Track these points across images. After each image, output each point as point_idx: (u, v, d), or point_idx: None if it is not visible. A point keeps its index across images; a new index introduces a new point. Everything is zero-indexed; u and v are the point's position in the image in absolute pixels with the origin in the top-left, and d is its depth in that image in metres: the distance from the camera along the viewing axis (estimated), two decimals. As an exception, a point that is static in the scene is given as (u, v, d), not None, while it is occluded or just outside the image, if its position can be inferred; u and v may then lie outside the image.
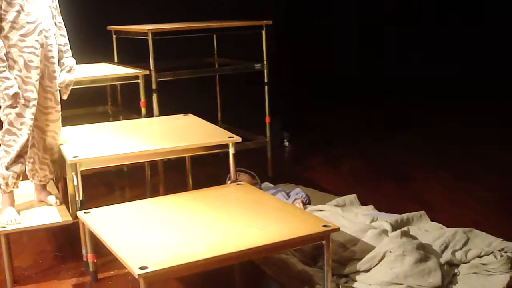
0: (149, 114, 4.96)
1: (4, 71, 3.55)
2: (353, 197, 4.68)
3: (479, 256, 3.59)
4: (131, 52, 5.68)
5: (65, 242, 4.21)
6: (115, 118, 5.39)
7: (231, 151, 3.95)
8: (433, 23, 9.57)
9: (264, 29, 5.33)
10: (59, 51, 3.81)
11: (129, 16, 5.87)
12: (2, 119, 3.70)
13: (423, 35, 9.45)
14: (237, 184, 3.99)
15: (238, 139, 3.95)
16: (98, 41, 6.04)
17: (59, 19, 3.84)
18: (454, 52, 9.28)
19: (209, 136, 4.14)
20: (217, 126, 4.41)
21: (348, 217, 4.15)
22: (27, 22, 3.58)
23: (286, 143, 6.55)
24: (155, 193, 4.75)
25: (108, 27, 5.68)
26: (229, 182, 4.06)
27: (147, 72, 4.88)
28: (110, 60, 5.65)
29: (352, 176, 5.62)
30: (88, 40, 6.10)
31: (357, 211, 4.42)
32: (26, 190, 4.06)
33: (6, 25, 3.56)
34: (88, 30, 5.08)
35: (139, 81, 4.83)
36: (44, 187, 4.02)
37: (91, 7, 6.46)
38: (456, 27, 9.30)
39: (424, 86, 9.12)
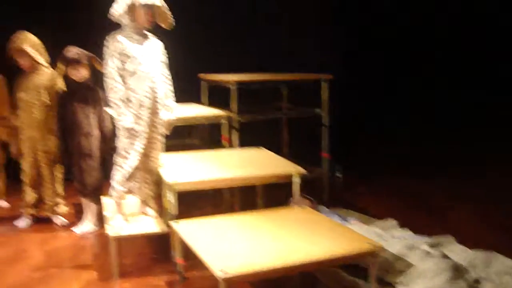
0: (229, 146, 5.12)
1: (123, 108, 3.79)
2: (393, 221, 4.73)
3: (501, 276, 3.60)
4: (213, 94, 5.88)
5: (160, 247, 4.30)
6: (201, 148, 5.55)
7: (296, 180, 4.06)
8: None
9: (324, 81, 5.47)
10: (164, 95, 4.02)
11: (203, 64, 6.05)
12: (117, 145, 3.93)
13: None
14: (300, 207, 4.08)
15: (303, 171, 4.07)
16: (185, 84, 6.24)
17: (166, 71, 4.06)
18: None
19: (278, 167, 4.27)
20: (284, 159, 4.53)
21: (391, 237, 4.21)
22: (142, 72, 3.82)
23: (338, 174, 6.61)
24: (231, 210, 4.85)
25: (199, 74, 5.88)
26: (293, 205, 4.15)
27: (232, 114, 5.07)
28: (195, 101, 5.84)
29: (394, 204, 5.62)
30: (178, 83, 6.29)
31: (397, 233, 4.46)
32: (132, 202, 4.24)
33: (125, 74, 3.80)
34: (178, 75, 5.26)
35: (223, 121, 5.03)
36: (145, 201, 4.20)
37: (180, 55, 6.67)
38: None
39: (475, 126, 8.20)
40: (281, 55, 6.59)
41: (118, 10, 3.86)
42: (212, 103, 5.71)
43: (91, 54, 4.59)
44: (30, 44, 4.69)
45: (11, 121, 5.01)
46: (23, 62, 4.75)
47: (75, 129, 4.61)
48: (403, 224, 4.70)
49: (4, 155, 5.47)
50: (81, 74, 4.59)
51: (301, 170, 4.09)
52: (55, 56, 4.73)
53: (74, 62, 4.55)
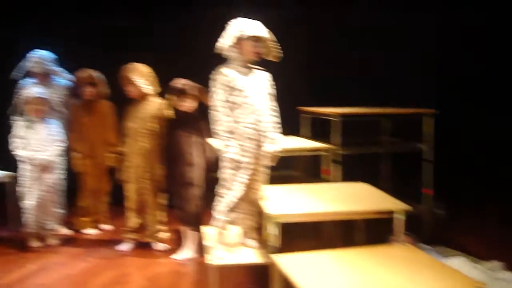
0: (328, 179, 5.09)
1: (229, 140, 3.85)
2: (498, 263, 4.54)
3: None
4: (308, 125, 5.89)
5: (258, 278, 4.30)
6: (299, 181, 5.55)
7: (399, 217, 3.98)
8: None
9: (428, 115, 5.36)
10: (270, 127, 4.05)
11: (296, 96, 6.04)
12: (221, 176, 3.99)
13: None
14: (401, 244, 4.00)
15: (406, 207, 3.99)
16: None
17: (273, 103, 4.10)
18: None
19: (381, 202, 4.20)
20: (386, 194, 4.45)
21: (495, 279, 4.04)
22: (248, 104, 3.88)
23: (440, 211, 6.42)
24: (331, 244, 4.80)
25: (299, 107, 5.93)
26: (394, 242, 4.07)
27: (333, 147, 5.05)
28: (292, 133, 5.81)
29: (499, 245, 5.39)
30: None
31: (502, 276, 4.28)
32: (233, 232, 4.26)
33: (232, 106, 3.87)
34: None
35: (324, 153, 5.02)
36: (246, 232, 4.23)
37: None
38: None
39: None
40: (383, 87, 6.52)
41: (225, 43, 3.95)
42: (310, 135, 5.72)
43: (199, 86, 4.72)
44: (139, 74, 4.88)
45: (118, 148, 5.22)
46: (131, 91, 4.94)
47: (179, 158, 4.72)
48: (509, 267, 4.51)
49: (110, 181, 5.69)
50: (188, 105, 4.72)
51: (405, 206, 4.00)
52: (165, 86, 4.89)
53: (182, 93, 4.69)
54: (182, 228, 4.91)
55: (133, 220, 5.06)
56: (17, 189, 5.20)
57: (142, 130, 4.91)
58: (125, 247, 5.12)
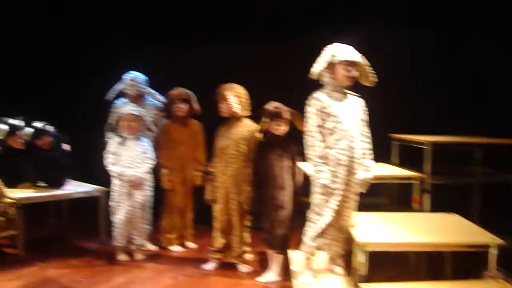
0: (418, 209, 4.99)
1: (321, 165, 3.84)
2: None
3: None
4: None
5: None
6: (387, 209, 5.47)
7: (493, 251, 3.85)
8: None
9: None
10: (362, 154, 4.03)
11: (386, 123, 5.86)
12: (312, 201, 3.98)
13: None
14: (494, 280, 3.86)
15: (501, 242, 3.86)
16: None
17: (366, 129, 4.08)
18: None
19: (473, 235, 4.09)
20: (478, 227, 4.32)
21: None
22: (341, 130, 3.87)
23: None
24: (417, 275, 4.70)
25: (390, 134, 5.86)
26: (487, 277, 3.94)
27: (424, 176, 4.96)
28: (382, 160, 5.73)
29: None
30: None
31: None
32: (320, 258, 4.25)
33: (325, 131, 3.87)
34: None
35: (415, 182, 4.93)
36: (334, 259, 4.20)
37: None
38: None
39: None
40: (476, 113, 6.36)
41: (318, 68, 3.97)
42: (399, 162, 5.65)
43: (291, 110, 4.74)
44: (234, 93, 4.95)
45: (206, 167, 5.30)
46: (223, 109, 5.01)
47: (270, 181, 4.74)
48: None
49: (194, 199, 5.78)
50: (281, 128, 4.75)
51: (499, 240, 3.88)
52: (259, 109, 4.94)
53: (275, 116, 4.72)
54: (268, 251, 4.91)
55: (219, 240, 5.11)
56: (109, 203, 5.37)
57: (233, 152, 4.96)
58: (210, 266, 5.17)
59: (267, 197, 4.75)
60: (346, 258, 4.25)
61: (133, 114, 5.31)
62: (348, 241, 4.12)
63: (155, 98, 5.93)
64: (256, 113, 4.94)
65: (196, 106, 5.72)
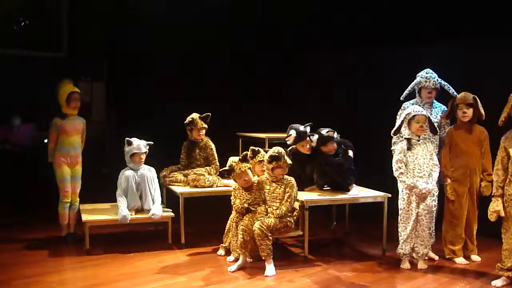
0: None
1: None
2: None
3: None
4: None
5: None
6: None
7: None
8: None
9: None
10: None
11: None
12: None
13: None
14: None
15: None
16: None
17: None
18: None
19: None
20: None
21: None
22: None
23: None
24: None
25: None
26: None
27: None
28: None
29: None
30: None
31: None
32: None
33: None
34: None
35: None
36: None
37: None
38: None
39: None
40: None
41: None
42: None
43: None
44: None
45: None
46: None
47: None
48: None
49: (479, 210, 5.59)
50: None
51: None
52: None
53: None
54: None
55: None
56: (399, 212, 5.39)
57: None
58: (500, 283, 4.91)
59: None
60: None
61: (424, 115, 5.24)
62: None
63: (451, 93, 5.70)
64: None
65: (481, 111, 5.48)
